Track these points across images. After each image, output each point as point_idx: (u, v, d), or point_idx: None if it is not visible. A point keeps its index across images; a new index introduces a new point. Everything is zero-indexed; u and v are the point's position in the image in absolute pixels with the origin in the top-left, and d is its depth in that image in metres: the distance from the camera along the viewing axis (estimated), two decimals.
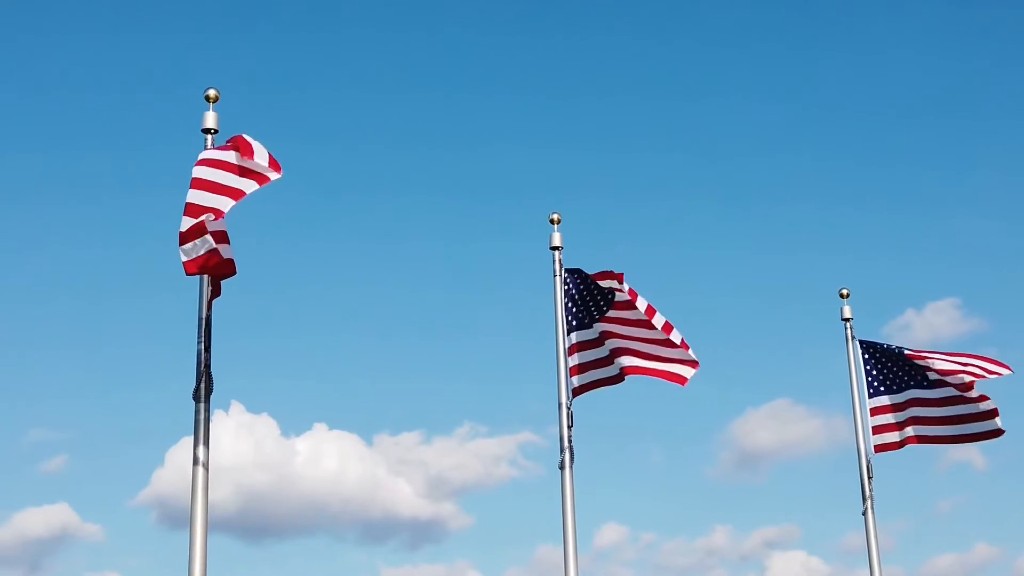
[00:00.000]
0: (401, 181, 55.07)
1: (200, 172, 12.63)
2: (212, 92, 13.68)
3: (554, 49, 56.48)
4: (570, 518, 15.73)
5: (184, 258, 12.24)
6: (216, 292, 12.74)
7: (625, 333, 16.57)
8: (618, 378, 16.59)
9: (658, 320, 16.28)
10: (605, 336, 16.64)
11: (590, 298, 16.75)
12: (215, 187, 12.50)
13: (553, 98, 56.43)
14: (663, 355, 16.41)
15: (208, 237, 12.10)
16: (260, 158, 12.71)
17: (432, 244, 54.60)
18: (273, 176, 12.66)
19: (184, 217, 12.30)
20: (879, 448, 19.51)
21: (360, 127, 55.80)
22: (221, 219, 12.25)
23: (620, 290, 16.41)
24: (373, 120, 55.97)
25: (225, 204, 12.33)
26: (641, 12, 57.12)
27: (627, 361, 16.52)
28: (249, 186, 12.57)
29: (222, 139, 13.42)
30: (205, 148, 13.43)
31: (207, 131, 13.59)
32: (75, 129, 53.07)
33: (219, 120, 13.62)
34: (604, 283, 16.48)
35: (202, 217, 12.17)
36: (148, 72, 53.43)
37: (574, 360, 16.62)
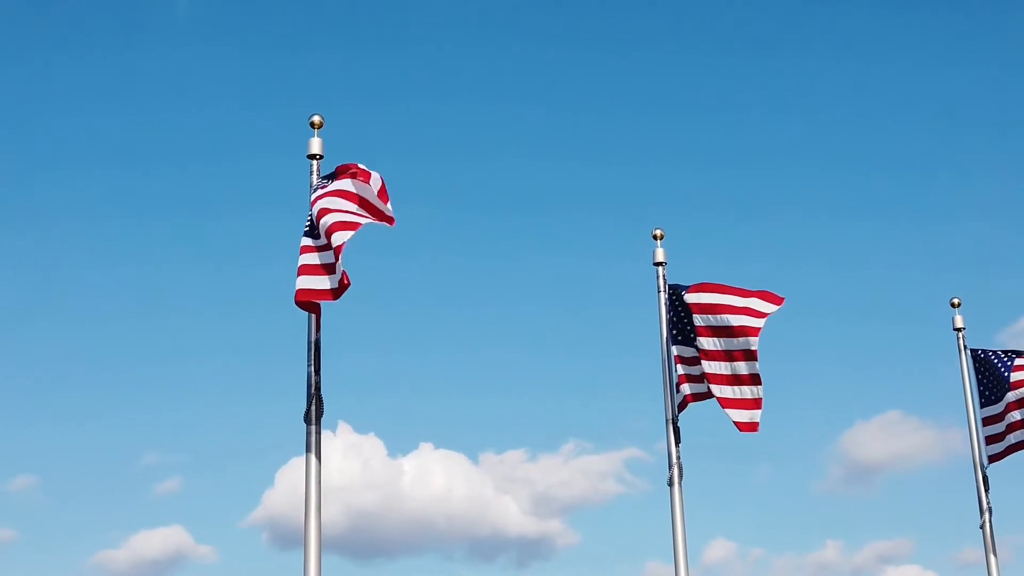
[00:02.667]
0: (504, 198, 55.31)
1: (324, 203, 12.65)
2: (317, 119, 13.64)
3: (662, 68, 56.36)
4: (680, 534, 15.66)
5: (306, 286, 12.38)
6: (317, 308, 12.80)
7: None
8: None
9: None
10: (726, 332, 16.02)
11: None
12: (337, 216, 12.49)
13: (655, 114, 56.28)
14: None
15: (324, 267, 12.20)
16: (375, 187, 12.76)
17: (536, 261, 54.69)
18: (387, 218, 12.68)
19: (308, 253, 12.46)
20: (992, 458, 19.23)
21: (465, 143, 56.16)
22: (330, 251, 12.28)
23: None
24: (474, 136, 56.29)
25: (343, 236, 12.26)
26: (744, 28, 56.78)
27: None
28: (365, 219, 12.57)
29: (328, 166, 13.49)
30: (311, 174, 13.54)
31: (312, 157, 13.60)
32: (191, 148, 54.10)
33: (324, 146, 13.63)
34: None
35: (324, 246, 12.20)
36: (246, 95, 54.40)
37: (681, 372, 16.45)
